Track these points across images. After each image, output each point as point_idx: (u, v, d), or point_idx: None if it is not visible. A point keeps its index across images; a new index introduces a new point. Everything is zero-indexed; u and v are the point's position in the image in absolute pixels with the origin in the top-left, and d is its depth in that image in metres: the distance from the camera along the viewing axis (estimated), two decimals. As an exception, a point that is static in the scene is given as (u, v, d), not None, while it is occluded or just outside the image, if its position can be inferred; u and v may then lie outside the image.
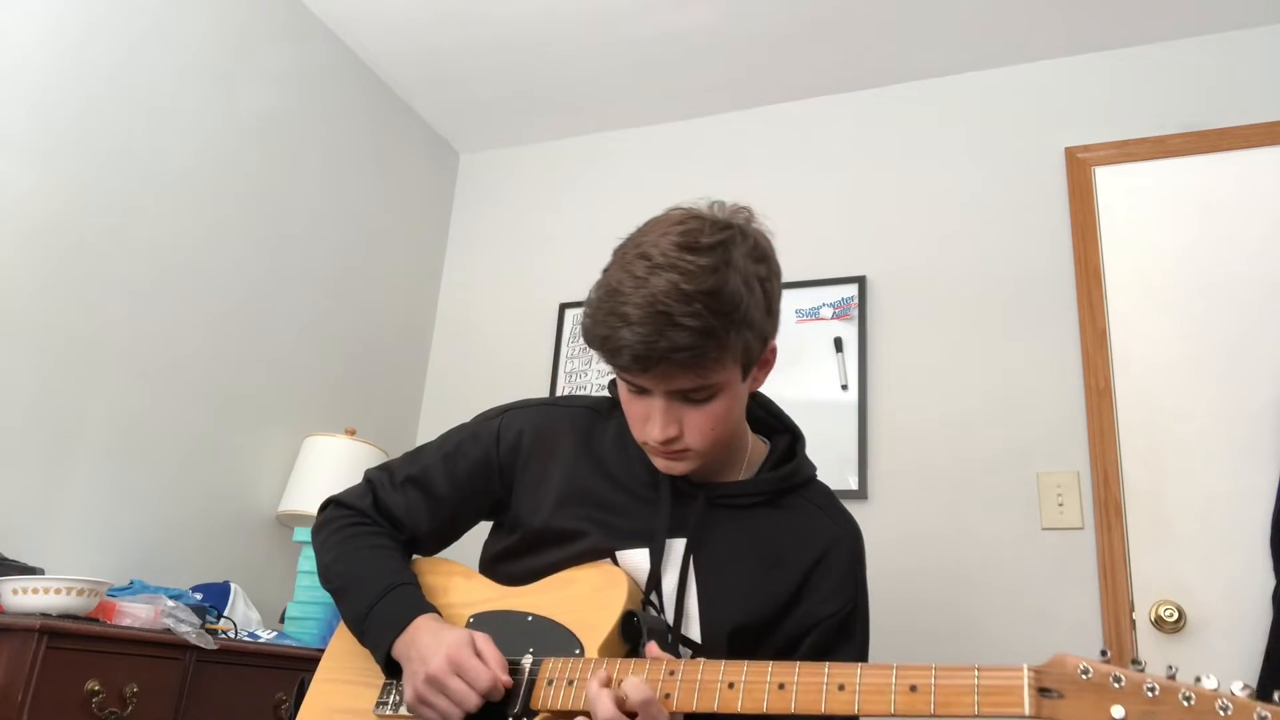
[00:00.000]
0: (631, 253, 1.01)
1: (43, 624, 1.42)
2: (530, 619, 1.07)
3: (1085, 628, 2.12)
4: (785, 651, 1.09)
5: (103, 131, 2.07)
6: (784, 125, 2.92)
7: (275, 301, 2.54)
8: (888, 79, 2.79)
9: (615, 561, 1.10)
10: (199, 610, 1.80)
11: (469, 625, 1.10)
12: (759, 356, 1.05)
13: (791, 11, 2.56)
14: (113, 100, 2.10)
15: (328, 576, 1.17)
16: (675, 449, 1.05)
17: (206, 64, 2.36)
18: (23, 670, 1.40)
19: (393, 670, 1.07)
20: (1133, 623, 2.09)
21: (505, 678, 0.98)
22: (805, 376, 2.56)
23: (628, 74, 2.87)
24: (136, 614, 1.67)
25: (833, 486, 2.45)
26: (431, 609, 1.09)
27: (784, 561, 1.11)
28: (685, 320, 0.95)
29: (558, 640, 1.03)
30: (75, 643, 1.48)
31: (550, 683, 0.98)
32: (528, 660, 1.02)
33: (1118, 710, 0.73)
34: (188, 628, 1.68)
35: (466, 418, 1.28)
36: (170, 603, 1.73)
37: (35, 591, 1.52)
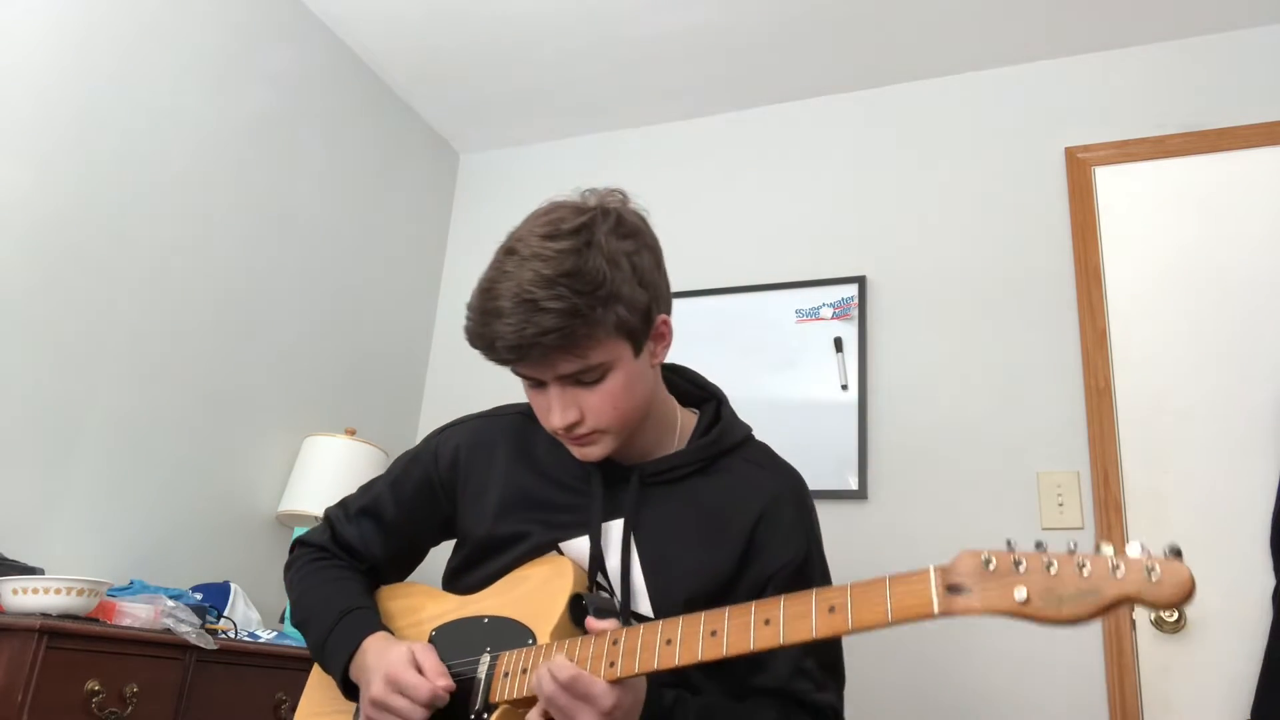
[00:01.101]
0: (502, 250, 1.06)
1: (43, 624, 1.42)
2: (486, 621, 1.11)
3: (1085, 628, 2.11)
4: None
5: (102, 131, 2.07)
6: (784, 125, 2.92)
7: (275, 301, 2.54)
8: (888, 79, 2.79)
9: (560, 553, 1.13)
10: (199, 610, 1.80)
11: (431, 638, 1.14)
12: (643, 330, 1.07)
13: (791, 12, 2.56)
14: (112, 100, 2.10)
15: (294, 612, 1.23)
16: (581, 434, 1.08)
17: (206, 64, 2.36)
18: (23, 670, 1.40)
19: (352, 692, 1.11)
20: (1133, 623, 2.09)
21: (445, 683, 1.02)
22: (805, 376, 2.56)
23: (628, 74, 2.87)
24: (136, 614, 1.68)
25: (833, 486, 2.48)
26: (381, 629, 1.13)
27: (727, 524, 1.13)
28: (549, 304, 0.98)
29: (512, 635, 1.06)
30: (75, 643, 1.48)
31: (506, 675, 1.02)
32: (485, 658, 1.05)
33: (1020, 592, 0.75)
34: (188, 628, 1.68)
35: (466, 418, 1.29)
36: (170, 603, 1.73)
37: (35, 591, 1.52)
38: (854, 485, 2.40)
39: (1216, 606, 2.05)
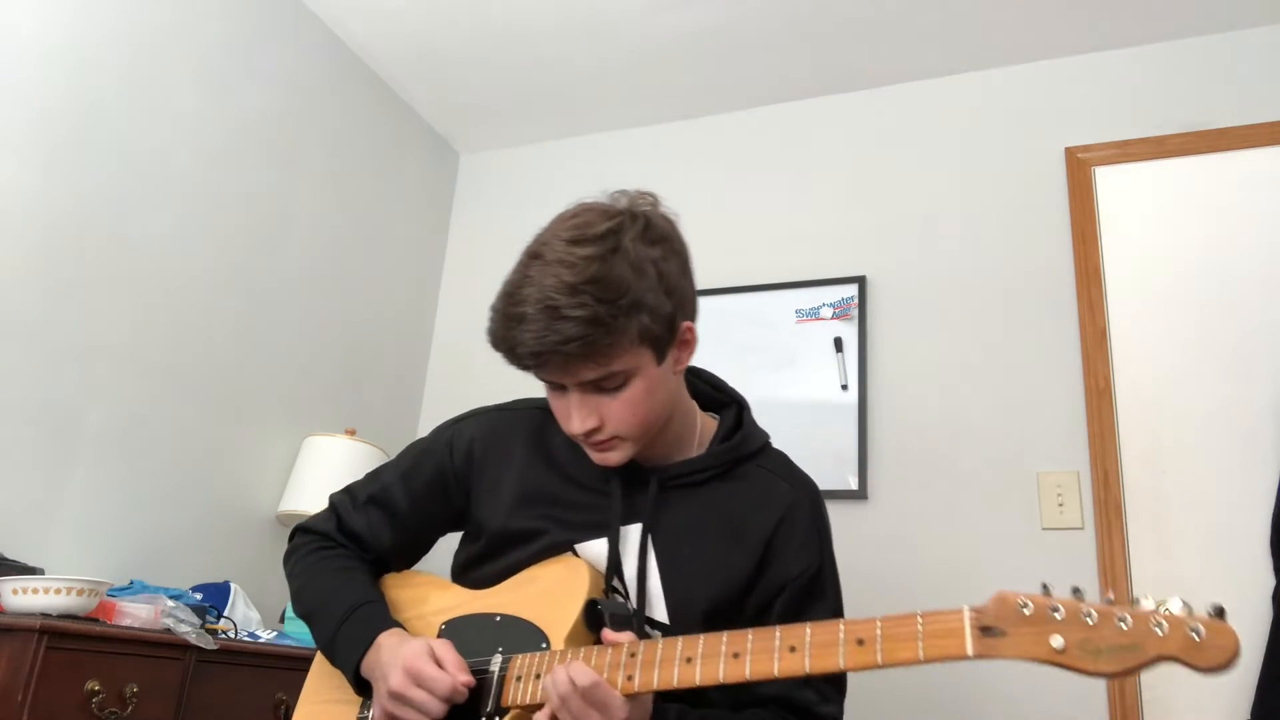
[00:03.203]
0: (528, 253, 1.05)
1: (43, 624, 1.42)
2: (498, 619, 1.09)
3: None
4: (757, 619, 1.10)
5: (103, 131, 2.07)
6: (784, 125, 2.91)
7: (275, 301, 2.54)
8: (887, 79, 2.79)
9: (576, 554, 1.12)
10: (199, 610, 1.80)
11: (441, 632, 1.13)
12: (667, 338, 1.06)
13: (791, 12, 2.56)
14: (112, 100, 2.10)
15: (298, 602, 1.20)
16: (600, 440, 1.07)
17: (206, 63, 2.36)
18: (23, 670, 1.40)
19: (364, 689, 1.09)
20: (1133, 623, 2.09)
21: (466, 678, 1.00)
22: (805, 376, 2.56)
23: (628, 74, 2.87)
24: (136, 614, 1.67)
25: (833, 486, 2.48)
26: (395, 624, 1.11)
27: (744, 532, 1.12)
28: (572, 311, 0.96)
29: (525, 636, 1.05)
30: (75, 643, 1.48)
31: (519, 679, 1.00)
32: (497, 659, 1.04)
33: (1057, 640, 0.73)
34: (188, 628, 1.68)
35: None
36: (170, 603, 1.73)
37: (35, 591, 1.52)
38: (854, 485, 2.40)
39: (1216, 606, 2.05)
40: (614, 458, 1.09)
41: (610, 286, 0.98)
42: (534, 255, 1.03)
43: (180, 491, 2.22)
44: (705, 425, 1.20)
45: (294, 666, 1.87)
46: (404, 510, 1.22)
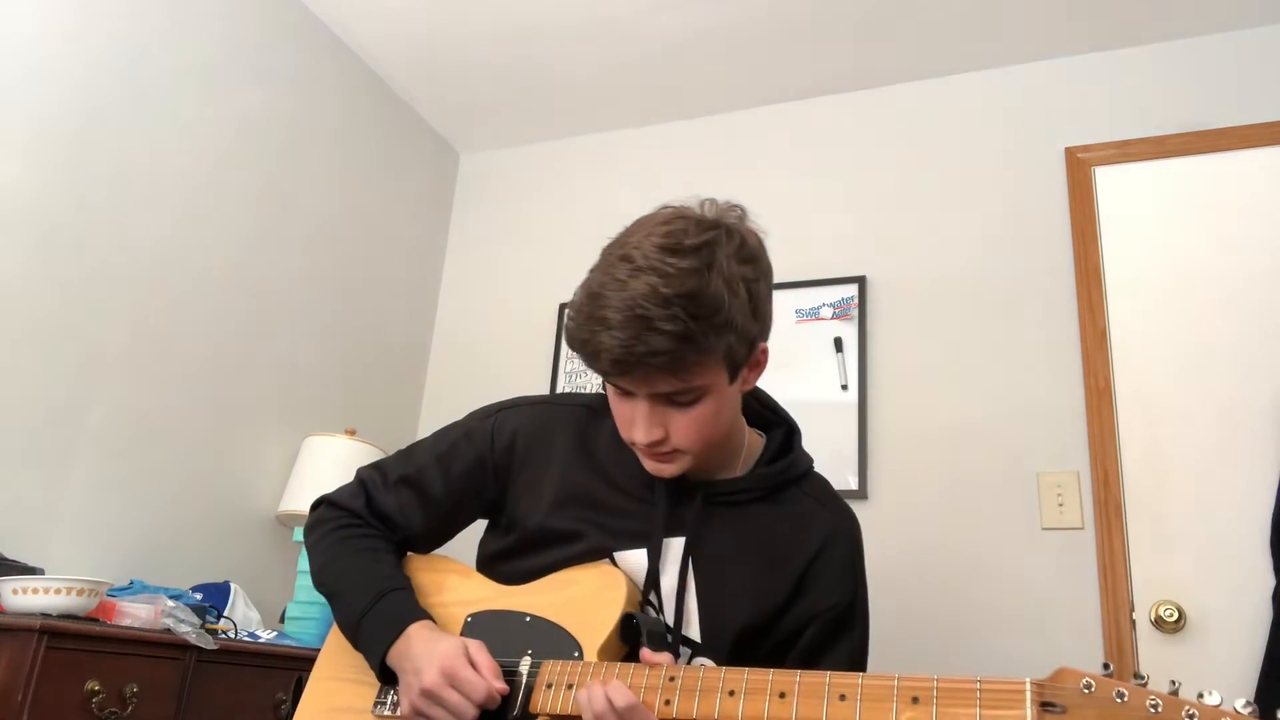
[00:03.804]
0: (615, 254, 1.00)
1: (43, 624, 1.42)
2: (529, 620, 1.07)
3: (1085, 628, 2.12)
4: (785, 645, 1.09)
5: (103, 131, 2.07)
6: (784, 125, 2.91)
7: (275, 301, 2.54)
8: (888, 79, 2.79)
9: (613, 562, 1.09)
10: (199, 610, 1.80)
11: (467, 624, 1.10)
12: (745, 359, 1.04)
13: (791, 12, 2.56)
14: (113, 100, 2.10)
15: (321, 579, 1.17)
16: (663, 451, 1.05)
17: (207, 63, 2.36)
18: (23, 670, 1.40)
19: (388, 676, 1.07)
20: (1133, 623, 2.09)
21: (501, 685, 0.98)
22: (805, 376, 2.56)
23: (628, 74, 2.87)
24: (136, 614, 1.67)
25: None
26: (425, 615, 1.08)
27: (783, 557, 1.10)
28: (663, 324, 0.93)
29: (556, 642, 1.03)
30: (75, 643, 1.48)
31: (549, 686, 0.98)
32: (526, 663, 1.01)
33: None
34: (188, 628, 1.68)
35: (466, 418, 1.27)
36: (170, 603, 1.73)
37: (35, 591, 1.52)
38: (854, 485, 2.40)
39: (1216, 606, 2.05)
40: (671, 469, 1.07)
41: (705, 303, 0.95)
42: (624, 258, 0.98)
43: (180, 491, 2.22)
44: (751, 443, 1.18)
45: (294, 666, 1.87)
46: (438, 494, 1.19)
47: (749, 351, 1.03)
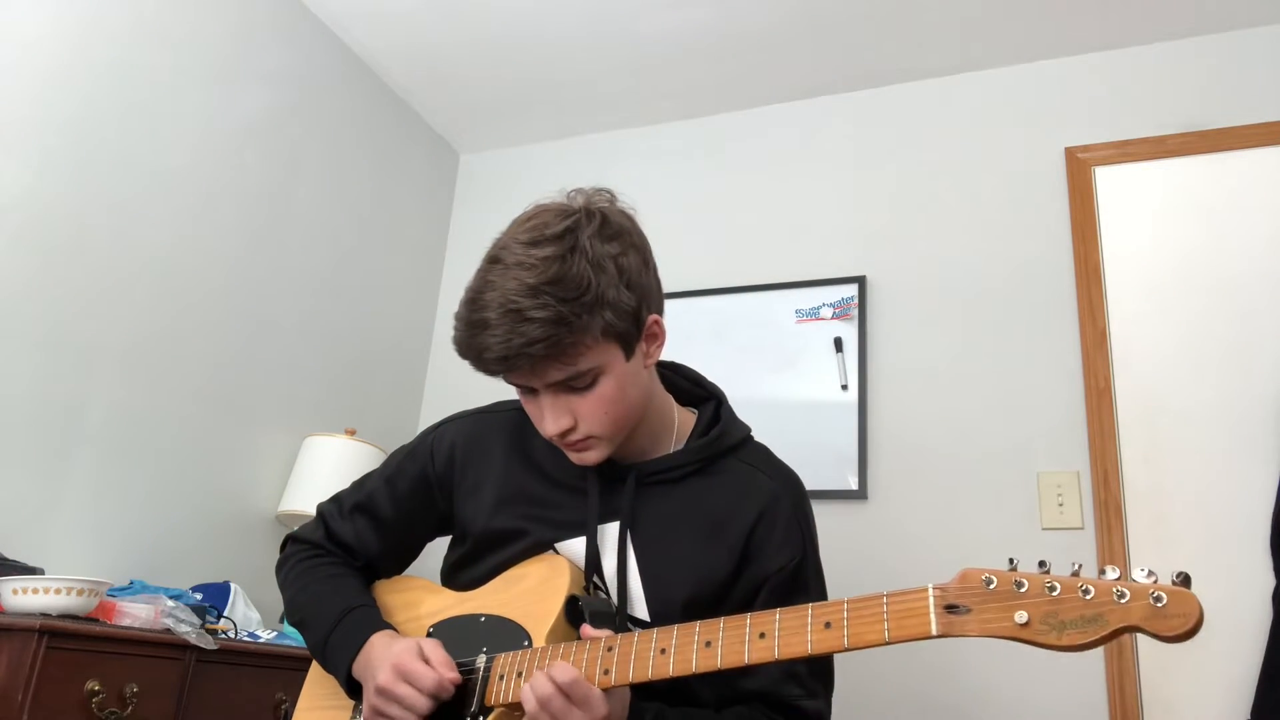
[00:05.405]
0: (487, 259, 1.04)
1: (43, 624, 1.42)
2: (483, 619, 1.10)
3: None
4: (740, 613, 1.10)
5: (102, 130, 2.07)
6: (784, 125, 2.92)
7: (275, 301, 2.54)
8: (888, 79, 2.79)
9: (557, 553, 1.13)
10: (199, 610, 1.80)
11: (430, 634, 1.13)
12: (634, 333, 1.06)
13: (791, 11, 2.56)
14: (111, 99, 2.10)
15: (291, 610, 1.21)
16: (575, 439, 1.07)
17: (205, 63, 2.36)
18: (23, 670, 1.40)
19: (356, 691, 1.10)
20: (1133, 623, 2.09)
21: (452, 675, 1.01)
22: (805, 376, 2.56)
23: (628, 74, 2.87)
24: (136, 614, 1.67)
25: (833, 486, 2.48)
26: (386, 627, 1.12)
27: (724, 527, 1.12)
28: (535, 313, 0.97)
29: (508, 635, 1.06)
30: (75, 643, 1.48)
31: (501, 677, 1.01)
32: (481, 659, 1.05)
33: (1020, 615, 0.73)
34: (188, 628, 1.68)
35: (466, 418, 1.28)
36: (170, 603, 1.73)
37: (35, 591, 1.52)
38: (854, 485, 2.40)
39: (1216, 606, 2.05)
40: (591, 457, 1.09)
41: (570, 285, 0.98)
42: (493, 260, 1.03)
43: (180, 491, 2.22)
44: (683, 420, 1.20)
45: (294, 666, 1.87)
46: (389, 516, 1.24)
47: (634, 324, 1.05)
